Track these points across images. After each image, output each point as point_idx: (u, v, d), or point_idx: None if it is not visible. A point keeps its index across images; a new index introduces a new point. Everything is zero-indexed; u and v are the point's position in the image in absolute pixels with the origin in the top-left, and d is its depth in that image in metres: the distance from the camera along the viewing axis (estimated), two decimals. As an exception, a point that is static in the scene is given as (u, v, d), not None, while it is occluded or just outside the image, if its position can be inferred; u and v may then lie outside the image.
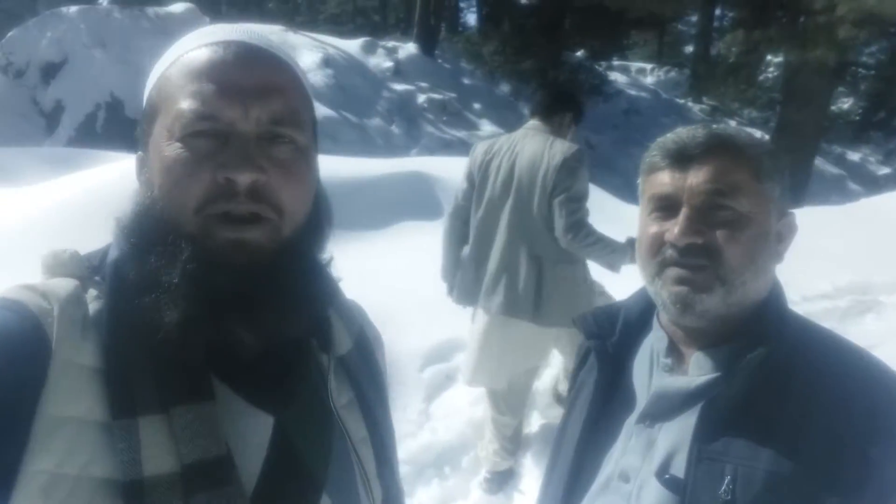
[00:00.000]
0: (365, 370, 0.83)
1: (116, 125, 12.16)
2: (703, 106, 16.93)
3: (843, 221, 5.70)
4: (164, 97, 0.67)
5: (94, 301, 0.66)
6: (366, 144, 12.66)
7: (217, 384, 0.65)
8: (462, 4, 23.27)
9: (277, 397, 0.69)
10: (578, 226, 2.48)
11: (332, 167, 5.36)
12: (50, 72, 12.57)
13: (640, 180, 0.97)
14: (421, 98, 14.58)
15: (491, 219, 2.65)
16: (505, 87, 16.53)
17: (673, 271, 0.86)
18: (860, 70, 14.15)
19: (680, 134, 0.91)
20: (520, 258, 2.59)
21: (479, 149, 2.76)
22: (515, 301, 2.56)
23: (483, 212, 2.67)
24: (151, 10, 14.10)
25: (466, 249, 2.78)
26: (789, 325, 0.89)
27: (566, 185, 2.48)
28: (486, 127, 15.06)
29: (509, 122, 15.98)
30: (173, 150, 0.64)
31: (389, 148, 12.85)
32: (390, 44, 16.17)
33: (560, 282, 2.58)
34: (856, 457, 0.77)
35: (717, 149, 0.87)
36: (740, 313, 0.87)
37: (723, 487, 0.79)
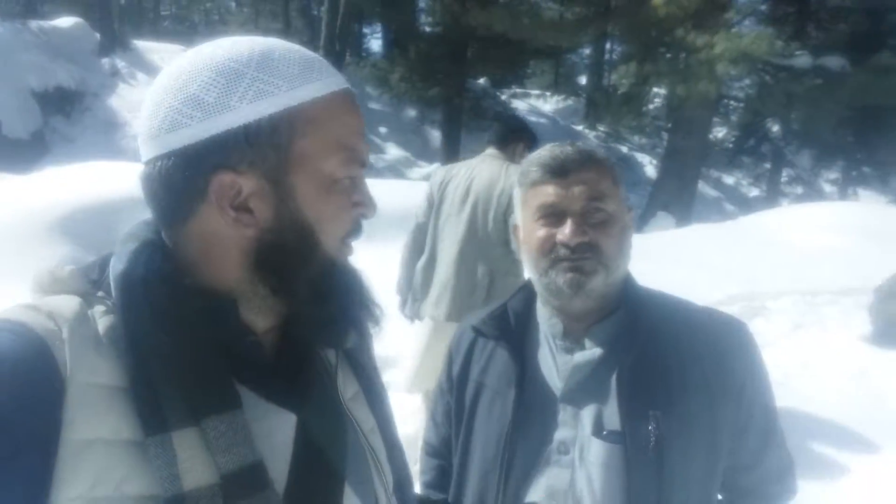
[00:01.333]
0: (368, 360, 0.86)
1: (-7, 144, 11.24)
2: (598, 133, 17.98)
3: (725, 237, 6.27)
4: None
5: (102, 317, 0.64)
6: (271, 167, 12.31)
7: (239, 388, 0.66)
8: (366, 31, 23.43)
9: (296, 395, 0.70)
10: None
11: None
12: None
13: (519, 192, 1.15)
14: (327, 121, 14.46)
15: (445, 233, 2.92)
16: (411, 112, 16.80)
17: (565, 264, 1.05)
18: (731, 102, 15.59)
19: (554, 151, 1.09)
20: (472, 269, 2.85)
21: (440, 172, 3.06)
22: (464, 308, 2.77)
23: (439, 227, 2.94)
24: (35, 24, 13.22)
25: (420, 262, 3.01)
26: (648, 296, 1.14)
27: (502, 173, 2.81)
28: (392, 150, 15.20)
29: (415, 145, 16.22)
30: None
31: (296, 171, 12.59)
32: (295, 66, 15.99)
33: (509, 292, 2.76)
34: (717, 379, 1.04)
35: (588, 163, 1.08)
36: (613, 291, 1.09)
37: (650, 426, 1.00)
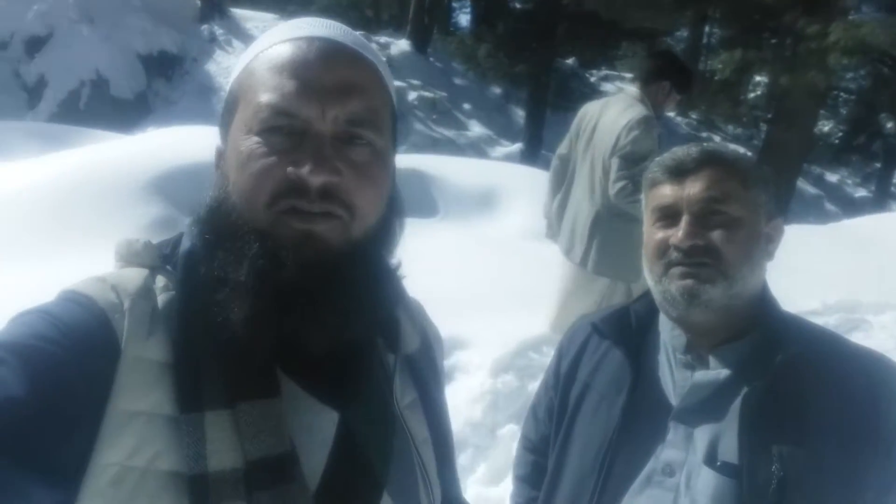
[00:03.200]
0: (429, 370, 0.83)
1: (100, 103, 11.92)
2: (690, 120, 17.19)
3: (826, 241, 5.85)
4: (244, 90, 0.66)
5: (162, 292, 0.65)
6: (354, 138, 12.55)
7: (284, 380, 0.65)
8: (455, 5, 23.23)
9: (342, 394, 0.69)
10: (624, 184, 2.71)
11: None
12: (35, 45, 12.28)
13: (642, 195, 1.09)
14: (412, 95, 14.55)
15: (577, 173, 3.01)
16: (496, 90, 16.59)
17: (678, 269, 0.98)
18: (842, 94, 14.49)
19: (676, 152, 1.03)
20: (584, 208, 2.91)
21: (583, 109, 3.08)
22: (573, 246, 2.91)
23: (576, 165, 3.02)
24: (143, -10, 13.87)
25: (557, 197, 3.17)
26: (789, 321, 1.02)
27: (623, 145, 2.70)
28: (476, 128, 15.10)
29: (499, 123, 16.05)
30: (249, 144, 0.64)
31: (378, 143, 12.77)
32: (383, 39, 16.12)
33: (613, 234, 2.83)
34: (867, 427, 0.91)
35: (710, 162, 1.00)
36: (741, 306, 0.99)
37: (773, 467, 0.89)
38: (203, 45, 13.94)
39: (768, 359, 0.95)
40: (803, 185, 15.32)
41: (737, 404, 0.94)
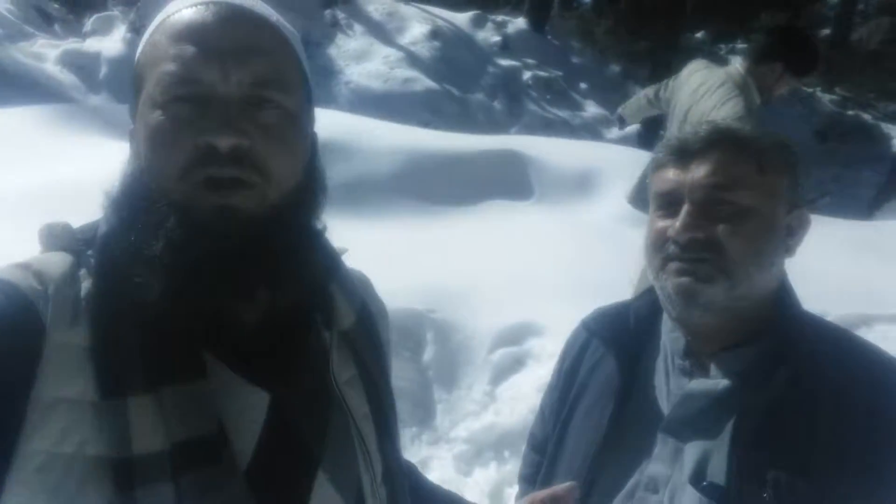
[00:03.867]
0: (368, 345, 0.81)
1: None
2: (834, 96, 15.53)
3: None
4: (148, 63, 0.66)
5: (86, 279, 0.65)
6: (467, 119, 12.61)
7: (212, 361, 0.64)
8: (579, -21, 22.44)
9: (274, 373, 0.68)
10: None
11: (426, 141, 5.38)
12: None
13: (647, 179, 0.99)
14: (526, 75, 14.29)
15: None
16: (615, 68, 15.90)
17: (675, 265, 0.88)
18: None
19: (685, 131, 0.92)
20: None
21: (686, 70, 2.92)
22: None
23: (668, 130, 2.95)
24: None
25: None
26: (808, 326, 0.89)
27: (714, 104, 2.51)
28: (591, 108, 14.57)
29: (616, 104, 15.35)
30: (155, 117, 0.63)
31: (490, 124, 12.73)
32: (500, 18, 15.92)
33: None
34: (887, 463, 0.79)
35: (718, 143, 0.88)
36: (749, 308, 0.88)
37: (766, 494, 0.79)
38: (326, 30, 14.50)
39: (775, 369, 0.84)
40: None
41: (733, 420, 0.85)
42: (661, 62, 13.66)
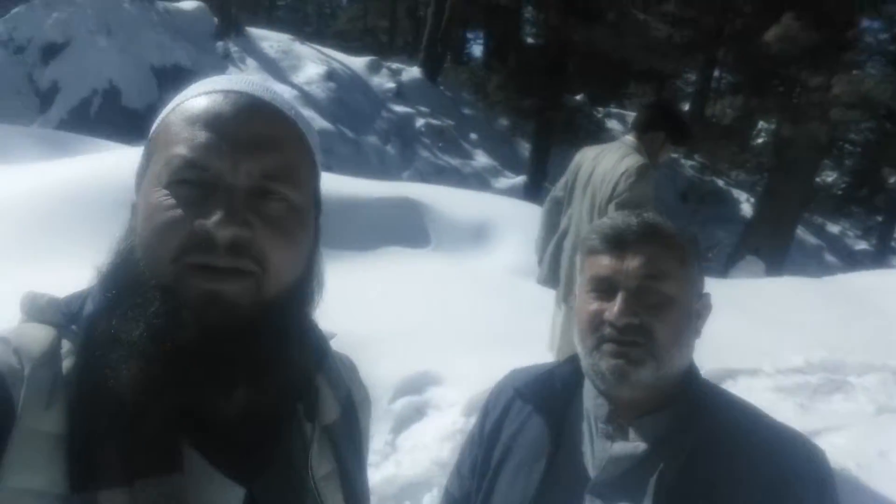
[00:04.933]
0: (348, 438, 0.79)
1: (111, 113, 12.04)
2: (694, 162, 17.27)
3: (819, 295, 5.81)
4: (159, 143, 0.64)
5: (67, 357, 0.61)
6: (360, 161, 12.67)
7: (189, 452, 0.61)
8: (469, 35, 23.55)
9: (251, 466, 0.65)
10: None
11: (324, 184, 5.35)
12: (51, 52, 12.46)
13: (578, 259, 1.07)
14: (419, 122, 14.67)
15: (571, 216, 3.04)
16: (503, 122, 16.72)
17: (610, 346, 0.95)
18: (847, 146, 14.55)
19: (616, 220, 1.01)
20: None
21: (579, 154, 3.07)
22: (571, 291, 2.84)
23: (569, 211, 3.03)
24: (161, 5, 14.11)
25: (552, 241, 3.18)
26: (710, 395, 1.00)
27: (621, 191, 2.70)
28: (481, 158, 15.19)
29: (504, 155, 16.15)
30: (157, 195, 0.61)
31: (383, 168, 12.88)
32: (395, 65, 16.31)
33: None
34: None
35: (650, 237, 0.97)
36: (667, 383, 0.97)
37: None
38: (217, 61, 14.11)
39: (686, 433, 0.94)
40: (804, 235, 15.30)
41: (652, 481, 0.92)
42: (545, 119, 14.58)
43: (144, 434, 0.58)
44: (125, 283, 0.61)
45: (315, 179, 0.70)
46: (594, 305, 0.98)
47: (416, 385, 3.33)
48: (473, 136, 15.73)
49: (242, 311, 0.60)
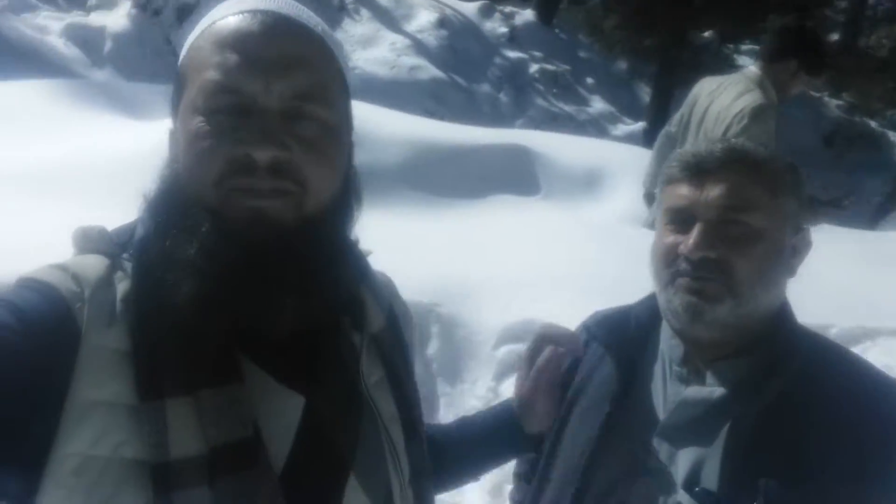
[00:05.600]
0: (395, 346, 0.81)
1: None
2: (841, 102, 15.52)
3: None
4: (191, 68, 0.66)
5: (122, 282, 0.65)
6: (472, 110, 12.57)
7: (247, 364, 0.64)
8: (588, -27, 22.27)
9: (308, 377, 0.68)
10: None
11: (434, 132, 5.36)
12: (184, 12, 13.27)
13: (658, 190, 0.99)
14: (533, 67, 14.24)
15: None
16: (622, 65, 15.84)
17: (684, 281, 0.89)
18: None
19: (699, 147, 0.93)
20: None
21: (697, 86, 2.87)
22: None
23: (681, 145, 2.83)
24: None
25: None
26: (804, 340, 0.91)
27: (733, 135, 2.44)
28: (597, 104, 14.55)
29: (622, 100, 15.36)
30: (196, 123, 0.63)
31: (495, 116, 12.70)
32: (508, 9, 15.83)
33: None
34: (877, 477, 0.81)
35: (734, 164, 0.89)
36: (751, 324, 0.89)
37: (756, 501, 0.81)
38: (332, 14, 14.41)
39: (769, 380, 0.86)
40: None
41: (726, 429, 0.86)
42: (668, 60, 13.61)
43: (203, 348, 0.61)
44: (173, 207, 0.64)
45: (346, 96, 0.71)
46: (670, 238, 0.92)
47: (520, 333, 3.31)
48: (590, 80, 15.05)
49: (286, 228, 0.63)
